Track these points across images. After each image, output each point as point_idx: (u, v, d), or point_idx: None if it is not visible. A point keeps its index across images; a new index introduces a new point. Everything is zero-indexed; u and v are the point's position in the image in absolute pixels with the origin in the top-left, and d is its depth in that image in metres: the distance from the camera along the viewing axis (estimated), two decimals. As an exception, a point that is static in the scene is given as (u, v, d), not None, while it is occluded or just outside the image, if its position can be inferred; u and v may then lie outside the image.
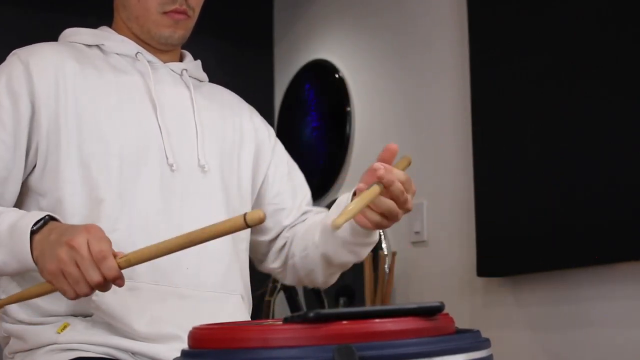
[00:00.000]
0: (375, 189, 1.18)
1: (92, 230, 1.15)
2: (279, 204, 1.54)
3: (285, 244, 1.53)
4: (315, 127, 3.08)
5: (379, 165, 1.19)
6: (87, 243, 1.13)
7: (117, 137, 1.34)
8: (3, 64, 1.39)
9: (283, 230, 1.54)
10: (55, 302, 1.29)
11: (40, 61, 1.36)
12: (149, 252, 1.14)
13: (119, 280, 1.14)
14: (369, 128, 2.82)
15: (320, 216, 1.50)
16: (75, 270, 1.12)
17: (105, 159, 1.32)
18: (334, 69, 2.98)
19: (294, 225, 1.53)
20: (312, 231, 1.46)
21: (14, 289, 1.33)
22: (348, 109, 2.89)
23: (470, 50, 2.30)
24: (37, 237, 1.19)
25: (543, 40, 2.08)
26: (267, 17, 3.39)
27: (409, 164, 1.28)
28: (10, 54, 1.40)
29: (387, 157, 1.22)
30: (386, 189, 1.19)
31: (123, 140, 1.34)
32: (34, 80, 1.33)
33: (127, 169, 1.33)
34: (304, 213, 1.55)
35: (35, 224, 1.20)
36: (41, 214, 1.22)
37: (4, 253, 1.22)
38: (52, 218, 1.23)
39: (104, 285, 1.14)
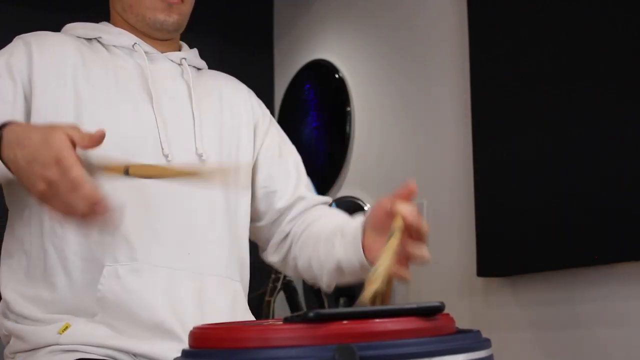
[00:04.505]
0: (393, 242, 1.13)
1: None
2: (269, 187, 1.51)
3: (284, 239, 1.51)
4: (315, 127, 3.07)
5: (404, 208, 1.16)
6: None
7: (116, 129, 1.33)
8: (7, 46, 1.40)
9: (280, 216, 1.51)
10: (57, 301, 1.30)
11: (42, 47, 1.37)
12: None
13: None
14: (369, 128, 2.81)
15: (324, 225, 1.44)
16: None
17: (104, 152, 1.31)
18: (334, 69, 2.98)
19: (293, 218, 1.50)
20: (317, 246, 1.42)
21: (15, 282, 1.32)
22: (348, 109, 2.89)
23: (470, 50, 2.30)
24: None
25: (543, 39, 2.08)
26: (267, 17, 3.39)
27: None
28: (16, 37, 1.41)
29: (405, 196, 1.19)
30: (407, 229, 1.16)
31: (121, 133, 1.34)
32: (33, 63, 1.34)
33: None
34: (301, 198, 1.51)
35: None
36: None
37: None
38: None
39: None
